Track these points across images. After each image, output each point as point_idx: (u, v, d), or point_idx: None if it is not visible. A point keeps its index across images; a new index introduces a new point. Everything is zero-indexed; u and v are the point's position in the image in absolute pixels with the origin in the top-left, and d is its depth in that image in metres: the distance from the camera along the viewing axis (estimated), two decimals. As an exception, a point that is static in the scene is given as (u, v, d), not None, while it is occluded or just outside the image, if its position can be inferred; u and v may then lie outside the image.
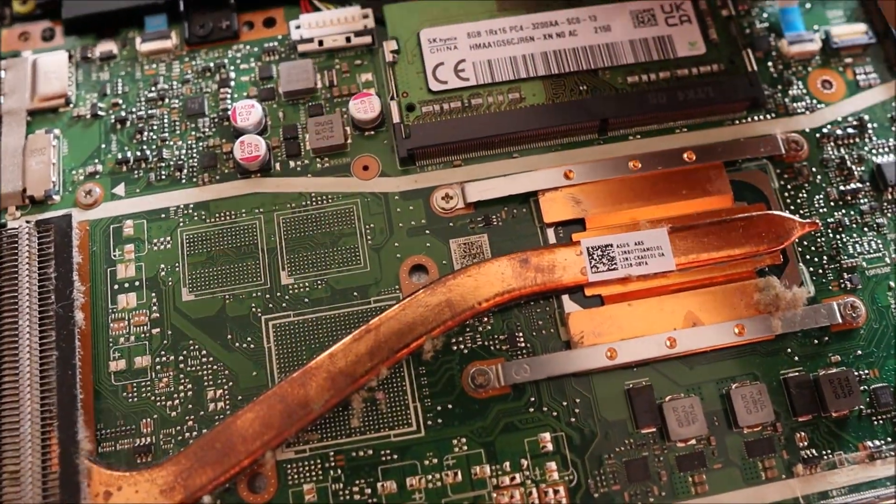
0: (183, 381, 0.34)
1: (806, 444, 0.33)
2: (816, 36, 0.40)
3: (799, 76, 0.39)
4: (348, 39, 0.38)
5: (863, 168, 0.37)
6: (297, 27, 0.39)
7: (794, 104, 0.38)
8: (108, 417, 0.33)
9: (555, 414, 0.33)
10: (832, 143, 0.37)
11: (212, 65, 0.40)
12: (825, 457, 0.33)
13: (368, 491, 0.32)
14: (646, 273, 0.34)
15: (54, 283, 0.34)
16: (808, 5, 0.41)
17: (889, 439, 0.32)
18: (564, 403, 0.33)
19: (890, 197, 0.36)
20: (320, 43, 0.38)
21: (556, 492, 0.31)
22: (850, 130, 0.38)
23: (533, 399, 0.33)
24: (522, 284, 0.33)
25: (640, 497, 0.31)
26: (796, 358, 0.34)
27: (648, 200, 0.35)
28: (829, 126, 0.38)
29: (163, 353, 0.34)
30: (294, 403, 0.32)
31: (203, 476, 0.32)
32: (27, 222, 0.36)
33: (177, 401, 0.33)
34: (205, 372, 0.34)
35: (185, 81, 0.39)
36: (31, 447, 0.32)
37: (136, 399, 0.33)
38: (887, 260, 0.35)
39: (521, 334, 0.34)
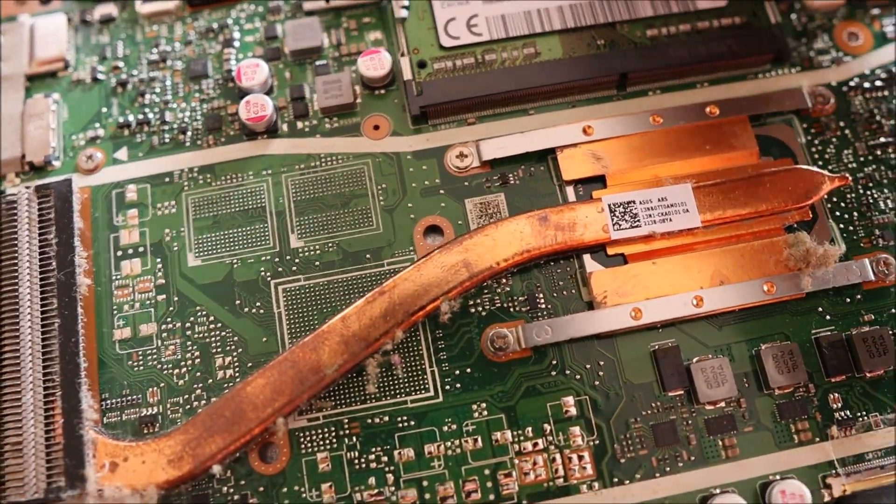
0: (190, 348, 0.33)
1: (840, 405, 0.32)
2: None
3: (824, 28, 0.38)
4: None
5: (892, 121, 0.36)
6: None
7: (820, 57, 0.37)
8: (112, 387, 0.32)
9: (578, 377, 0.32)
10: (860, 97, 0.37)
11: (215, 25, 0.39)
12: (860, 418, 0.32)
13: (385, 459, 0.31)
14: (670, 230, 0.33)
15: (55, 250, 0.33)
16: None
17: None
18: (588, 366, 0.33)
19: None
20: (326, 0, 0.37)
21: (580, 457, 0.31)
22: (878, 83, 0.37)
23: (555, 362, 0.33)
24: (542, 243, 0.32)
25: (669, 462, 0.30)
26: (828, 317, 0.33)
27: (671, 156, 0.34)
28: (856, 79, 0.37)
29: (169, 320, 0.33)
30: (306, 369, 0.31)
31: (212, 445, 0.31)
32: (26, 188, 0.35)
33: (184, 369, 0.33)
34: (213, 339, 0.33)
35: (187, 43, 0.39)
36: (34, 417, 0.31)
37: (141, 368, 0.33)
38: None
39: (541, 295, 0.33)
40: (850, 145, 0.36)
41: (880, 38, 0.38)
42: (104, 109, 0.37)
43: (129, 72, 0.38)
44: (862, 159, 0.36)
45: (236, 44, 0.38)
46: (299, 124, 0.36)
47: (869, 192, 0.35)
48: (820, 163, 0.36)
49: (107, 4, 0.40)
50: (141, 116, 0.37)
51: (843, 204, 0.35)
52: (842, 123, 0.37)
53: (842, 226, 0.35)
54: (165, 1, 0.39)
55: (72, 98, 0.37)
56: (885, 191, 0.35)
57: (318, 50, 0.38)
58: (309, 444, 0.31)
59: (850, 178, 0.35)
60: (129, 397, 0.32)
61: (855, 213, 0.35)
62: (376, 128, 0.36)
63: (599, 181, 0.35)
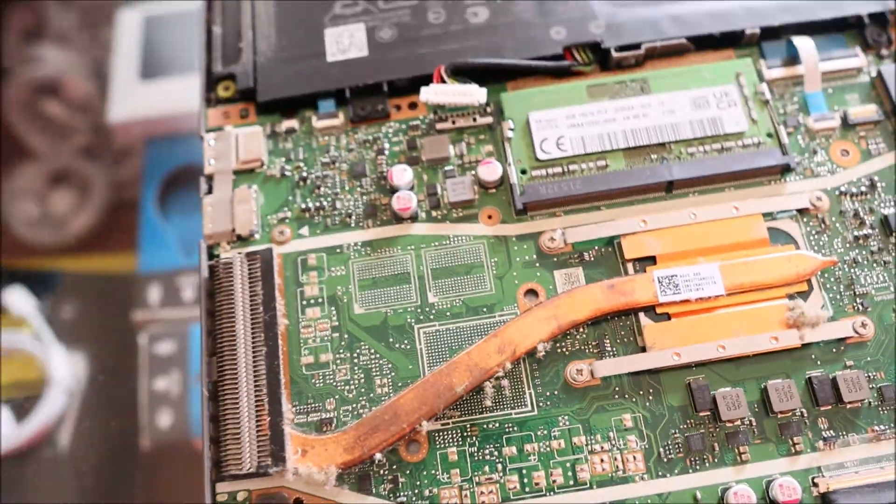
0: (356, 372, 0.42)
1: (826, 426, 0.40)
2: (836, 115, 0.46)
3: (822, 146, 0.46)
4: (474, 119, 0.47)
5: (873, 218, 0.44)
6: (428, 93, 0.46)
7: (818, 168, 0.45)
8: (301, 398, 0.42)
9: (634, 400, 0.41)
10: (848, 199, 0.45)
11: (370, 137, 0.48)
12: (841, 437, 0.40)
13: (496, 454, 0.40)
14: (702, 296, 0.41)
15: (261, 298, 0.43)
16: (829, 90, 0.47)
17: (892, 424, 0.40)
18: (641, 392, 0.41)
19: (894, 240, 0.44)
20: (453, 122, 0.48)
21: (634, 458, 0.40)
22: (863, 189, 0.45)
23: (617, 388, 0.41)
24: (609, 304, 0.42)
25: (698, 463, 0.40)
26: (819, 362, 0.41)
27: (704, 242, 0.43)
28: (846, 185, 0.45)
29: (340, 351, 0.43)
30: (442, 388, 0.40)
31: (376, 439, 0.40)
32: (238, 253, 0.44)
33: (352, 386, 0.42)
34: (373, 365, 0.42)
35: (350, 150, 0.47)
36: (248, 416, 0.41)
37: (321, 384, 0.42)
38: (892, 289, 0.43)
39: (608, 341, 0.42)
40: (839, 235, 0.44)
41: (866, 154, 0.46)
42: (290, 198, 0.46)
43: (308, 170, 0.47)
44: (848, 246, 0.44)
45: (386, 152, 0.47)
46: (434, 213, 0.45)
47: (852, 271, 0.43)
48: (816, 248, 0.44)
49: (290, 120, 0.48)
50: (317, 204, 0.46)
51: (832, 279, 0.43)
52: (833, 219, 0.44)
53: (830, 295, 0.43)
54: (333, 119, 0.48)
55: (266, 188, 0.47)
56: (866, 270, 0.43)
57: (447, 159, 0.47)
58: (442, 441, 0.41)
59: (838, 261, 0.43)
60: (313, 405, 0.42)
61: (841, 286, 0.43)
62: (490, 217, 0.45)
63: (651, 260, 0.43)
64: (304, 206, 0.47)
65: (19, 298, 0.72)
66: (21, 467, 0.66)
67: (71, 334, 0.71)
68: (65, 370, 0.68)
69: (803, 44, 0.48)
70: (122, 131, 0.79)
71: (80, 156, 0.82)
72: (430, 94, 0.47)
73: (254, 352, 0.43)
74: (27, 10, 0.91)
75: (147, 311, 0.71)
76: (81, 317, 0.73)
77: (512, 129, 0.47)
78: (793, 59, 0.48)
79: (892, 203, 0.45)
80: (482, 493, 0.40)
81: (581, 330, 0.43)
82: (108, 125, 0.80)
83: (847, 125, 0.47)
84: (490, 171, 0.46)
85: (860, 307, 0.43)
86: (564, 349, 0.43)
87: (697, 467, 0.40)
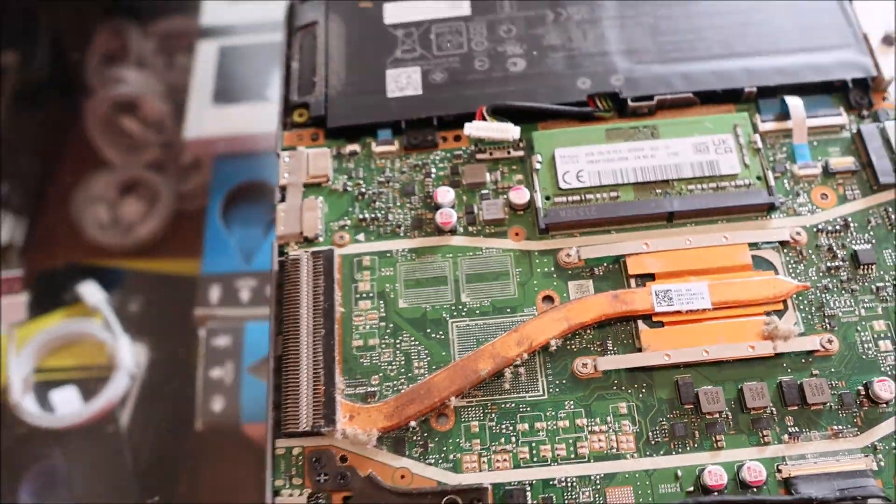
0: (398, 355, 0.48)
1: (791, 423, 0.45)
2: (819, 164, 0.52)
3: (805, 189, 0.51)
4: (509, 152, 0.54)
5: (844, 252, 0.49)
6: (470, 128, 0.53)
7: (800, 208, 0.51)
8: (351, 373, 0.48)
9: (629, 391, 0.46)
10: (824, 235, 0.50)
11: (420, 163, 0.54)
12: (804, 432, 0.45)
13: (511, 428, 0.46)
14: (692, 308, 0.47)
15: (323, 290, 0.49)
16: (814, 143, 0.53)
17: (849, 425, 0.45)
18: (635, 385, 0.46)
19: (862, 272, 0.49)
20: (490, 154, 0.56)
21: (626, 439, 0.45)
22: (837, 227, 0.50)
23: (616, 381, 0.47)
24: (613, 310, 0.47)
25: (680, 446, 0.45)
26: (789, 370, 0.46)
27: (697, 264, 0.49)
28: (822, 223, 0.50)
29: (386, 337, 0.49)
30: (469, 371, 0.46)
31: (411, 409, 0.46)
32: (305, 252, 0.50)
33: (394, 366, 0.48)
34: (412, 350, 0.48)
35: (402, 172, 0.54)
36: (307, 385, 0.46)
37: (368, 363, 0.48)
38: (856, 313, 0.48)
39: (610, 341, 0.48)
40: (814, 265, 0.49)
41: (842, 198, 0.51)
42: (350, 209, 0.53)
43: (366, 187, 0.53)
44: (821, 274, 0.49)
45: (432, 175, 0.53)
46: (470, 228, 0.51)
47: (823, 296, 0.48)
48: (793, 275, 0.49)
49: (353, 145, 0.55)
50: (372, 215, 0.52)
51: (805, 301, 0.48)
52: (810, 251, 0.49)
53: (803, 315, 0.48)
54: (390, 146, 0.54)
55: (330, 200, 0.53)
56: (835, 295, 0.48)
57: (483, 184, 0.53)
58: (466, 416, 0.46)
59: (811, 286, 0.48)
60: (360, 380, 0.47)
61: (813, 308, 0.48)
62: (517, 234, 0.51)
63: (651, 276, 0.49)
64: (361, 216, 0.53)
65: (92, 291, 0.79)
66: (85, 440, 0.72)
67: (136, 326, 0.77)
68: (129, 357, 0.75)
69: (794, 102, 0.54)
70: (194, 147, 0.88)
71: (150, 169, 0.90)
72: (473, 129, 0.55)
73: (314, 333, 0.48)
74: (112, 35, 0.98)
75: (207, 309, 0.78)
76: (147, 311, 0.79)
77: (540, 162, 0.53)
78: (784, 114, 0.54)
79: (863, 241, 0.51)
80: (497, 460, 0.46)
81: (588, 331, 0.48)
82: (181, 141, 0.88)
83: (827, 173, 0.52)
84: (519, 195, 0.52)
85: (828, 326, 0.48)
86: (573, 346, 0.48)
87: (679, 450, 0.45)
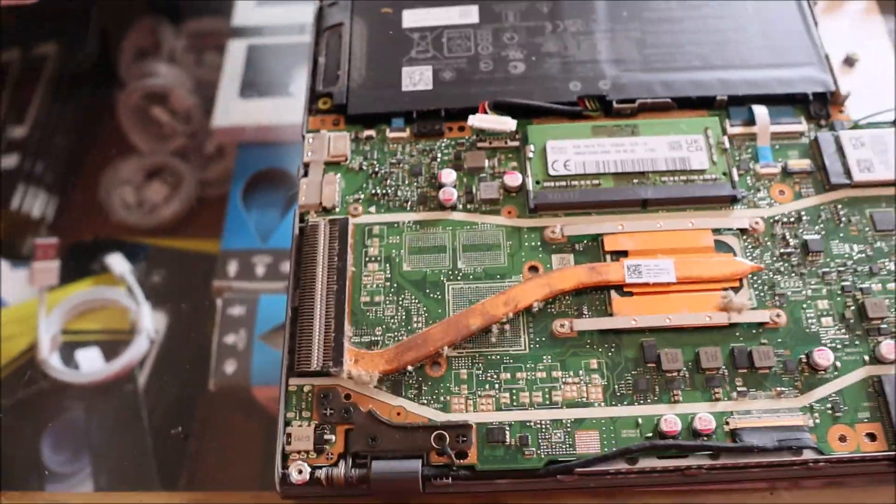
0: (400, 311, 0.53)
1: (741, 383, 0.50)
2: (779, 165, 0.57)
3: (765, 186, 0.57)
4: (506, 142, 0.59)
5: (796, 241, 0.54)
6: (473, 120, 0.59)
7: (760, 202, 0.56)
8: (358, 325, 0.53)
9: (600, 350, 0.52)
10: (780, 226, 0.55)
11: (427, 148, 0.59)
12: (751, 392, 0.50)
13: (495, 377, 0.51)
14: (659, 281, 0.52)
15: (337, 252, 0.54)
16: (776, 146, 0.58)
17: (791, 388, 0.50)
18: (605, 345, 0.52)
19: (811, 259, 0.54)
20: (490, 143, 0.63)
21: (595, 390, 0.50)
22: (792, 219, 0.55)
23: (589, 341, 0.52)
24: (589, 280, 0.52)
25: (642, 399, 0.50)
26: (741, 338, 0.51)
27: (665, 245, 0.54)
28: (779, 215, 0.55)
29: (390, 295, 0.54)
30: (461, 325, 0.51)
31: (409, 356, 0.51)
32: (323, 220, 0.55)
33: (396, 320, 0.53)
34: (412, 307, 0.53)
35: (411, 156, 0.59)
36: (318, 331, 0.52)
37: (373, 316, 0.53)
38: (803, 293, 0.53)
39: (585, 306, 0.53)
40: (769, 251, 0.54)
41: (798, 195, 0.56)
42: (364, 185, 0.58)
43: (379, 167, 0.59)
44: (774, 259, 0.54)
45: (438, 159, 0.59)
46: (468, 206, 0.57)
47: (775, 277, 0.53)
48: (750, 258, 0.54)
49: (370, 130, 0.60)
50: (384, 191, 0.58)
51: (759, 281, 0.53)
52: (766, 239, 0.54)
53: (757, 293, 0.53)
54: (402, 132, 0.60)
55: (348, 177, 0.59)
56: (786, 277, 0.53)
57: (482, 168, 0.58)
58: (457, 364, 0.51)
59: (765, 268, 0.53)
60: (366, 330, 0.53)
61: (765, 287, 0.53)
62: (509, 212, 0.56)
63: (624, 253, 0.54)
64: (373, 191, 0.58)
65: (118, 262, 0.85)
66: (105, 395, 0.77)
67: (158, 295, 0.82)
68: (150, 323, 0.80)
69: (760, 111, 0.60)
70: (220, 135, 0.95)
71: (176, 156, 0.95)
72: (475, 121, 0.60)
73: (327, 288, 0.54)
74: (146, 31, 1.04)
75: (224, 282, 0.83)
76: (168, 282, 0.84)
77: (533, 152, 0.58)
78: (751, 121, 0.60)
79: (813, 232, 0.56)
80: (482, 403, 0.51)
81: (567, 297, 0.54)
82: (208, 130, 0.95)
83: (786, 173, 0.58)
84: (513, 179, 0.58)
85: (777, 303, 0.53)
86: (553, 309, 0.53)
87: (641, 402, 0.50)
